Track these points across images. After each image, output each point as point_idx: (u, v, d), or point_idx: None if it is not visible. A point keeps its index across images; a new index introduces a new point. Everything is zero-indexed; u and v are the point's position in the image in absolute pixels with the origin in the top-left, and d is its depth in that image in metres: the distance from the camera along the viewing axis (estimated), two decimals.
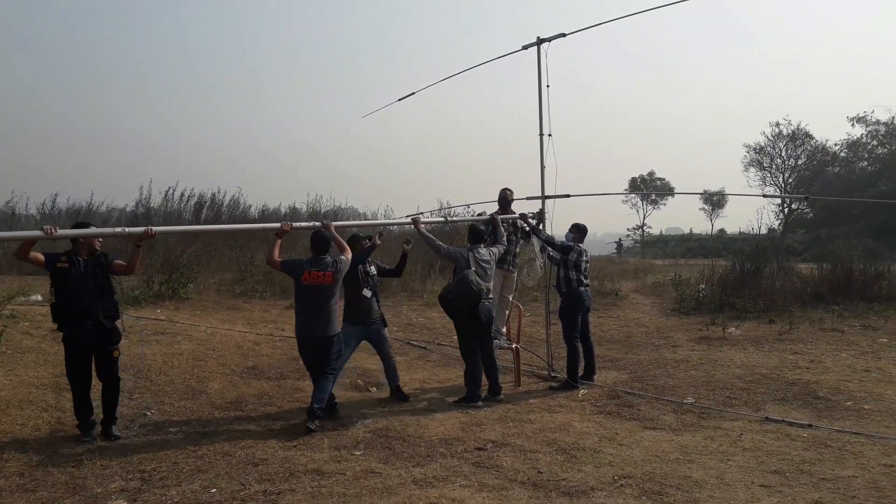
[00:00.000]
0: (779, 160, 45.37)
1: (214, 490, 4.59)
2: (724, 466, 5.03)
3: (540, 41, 8.58)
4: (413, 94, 10.07)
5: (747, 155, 47.04)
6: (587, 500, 4.43)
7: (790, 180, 45.14)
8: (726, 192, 54.09)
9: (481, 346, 7.10)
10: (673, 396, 7.26)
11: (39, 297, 11.25)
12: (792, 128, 44.47)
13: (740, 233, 45.90)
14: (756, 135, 57.66)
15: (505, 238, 7.76)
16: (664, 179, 56.28)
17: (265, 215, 21.94)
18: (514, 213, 8.48)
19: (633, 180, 56.75)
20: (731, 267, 14.32)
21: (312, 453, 5.40)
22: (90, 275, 5.57)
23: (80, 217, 21.93)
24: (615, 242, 39.76)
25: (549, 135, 8.50)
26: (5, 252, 16.70)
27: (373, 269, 7.25)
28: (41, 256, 5.49)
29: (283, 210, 22.66)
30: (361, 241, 7.20)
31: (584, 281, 7.95)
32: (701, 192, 51.61)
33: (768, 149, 45.62)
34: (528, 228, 8.34)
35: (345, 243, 6.59)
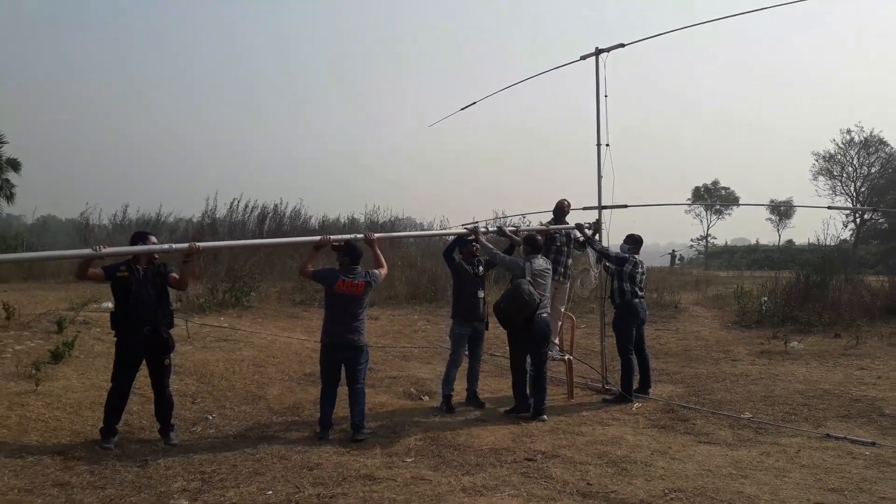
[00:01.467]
0: (850, 168, 43.68)
1: (270, 492, 4.76)
2: (779, 483, 4.93)
3: (598, 51, 8.59)
4: (475, 103, 10.22)
5: (816, 163, 45.50)
6: None
7: (862, 189, 43.40)
8: (793, 203, 52.11)
9: (533, 361, 7.04)
10: (730, 411, 7.12)
11: (110, 305, 11.77)
12: (864, 135, 42.80)
13: (809, 244, 44.35)
14: (826, 143, 55.64)
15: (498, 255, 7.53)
16: (729, 189, 54.88)
17: (325, 226, 22.36)
18: (569, 223, 8.50)
19: (697, 190, 55.44)
20: (795, 279, 13.88)
21: (365, 459, 5.53)
22: (149, 283, 5.78)
23: (150, 227, 22.89)
24: (669, 254, 38.85)
25: (607, 145, 8.50)
26: (73, 263, 17.53)
27: (481, 270, 7.42)
28: (100, 272, 5.71)
29: (342, 220, 23.06)
30: (469, 244, 7.36)
31: (640, 293, 7.89)
32: (763, 203, 50.21)
33: (839, 157, 44.00)
34: (582, 239, 8.33)
35: (383, 260, 6.69)
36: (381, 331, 12.34)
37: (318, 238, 6.66)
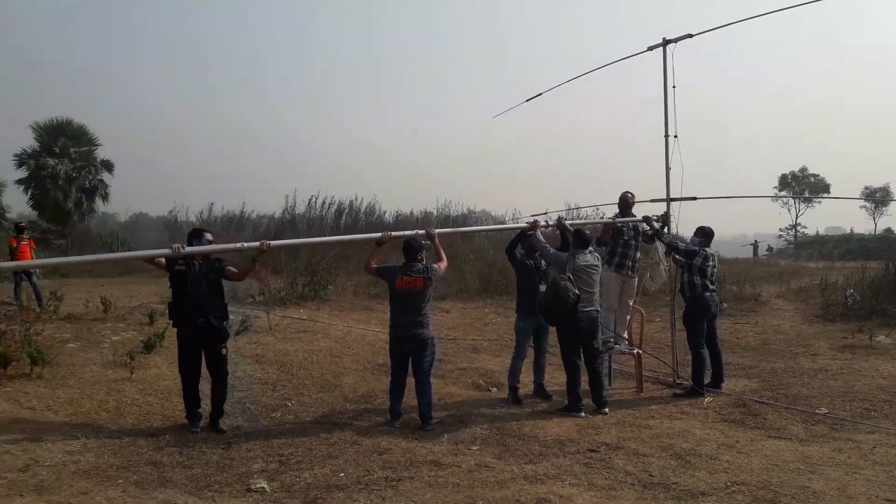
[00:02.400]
0: None
1: (342, 474, 5.03)
2: (848, 479, 4.84)
3: (666, 42, 8.49)
4: (540, 94, 10.21)
5: None
6: (694, 503, 4.45)
7: None
8: (890, 189, 49.22)
9: (585, 356, 6.98)
10: (805, 406, 6.97)
11: None
12: None
13: None
14: None
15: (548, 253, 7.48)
16: (818, 176, 51.99)
17: (399, 220, 22.84)
18: (636, 216, 8.46)
19: (784, 177, 52.91)
20: (883, 269, 13.23)
21: (432, 446, 5.74)
22: (203, 277, 6.11)
23: (233, 224, 23.93)
24: (751, 244, 37.41)
25: (675, 136, 8.39)
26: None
27: (543, 263, 7.53)
28: (163, 261, 6.12)
29: (415, 215, 23.49)
30: (530, 238, 7.52)
31: (710, 286, 7.77)
32: (854, 196, 47.48)
33: None
34: (651, 232, 8.26)
35: (443, 254, 6.83)
36: (452, 323, 12.58)
37: (379, 234, 6.88)
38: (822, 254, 42.68)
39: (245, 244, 6.46)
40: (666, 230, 8.33)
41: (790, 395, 7.44)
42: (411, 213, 24.28)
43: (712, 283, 7.82)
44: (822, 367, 8.80)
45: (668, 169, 8.39)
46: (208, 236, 6.39)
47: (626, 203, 8.48)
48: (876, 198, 48.31)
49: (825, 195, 49.35)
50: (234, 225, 24.83)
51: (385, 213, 23.95)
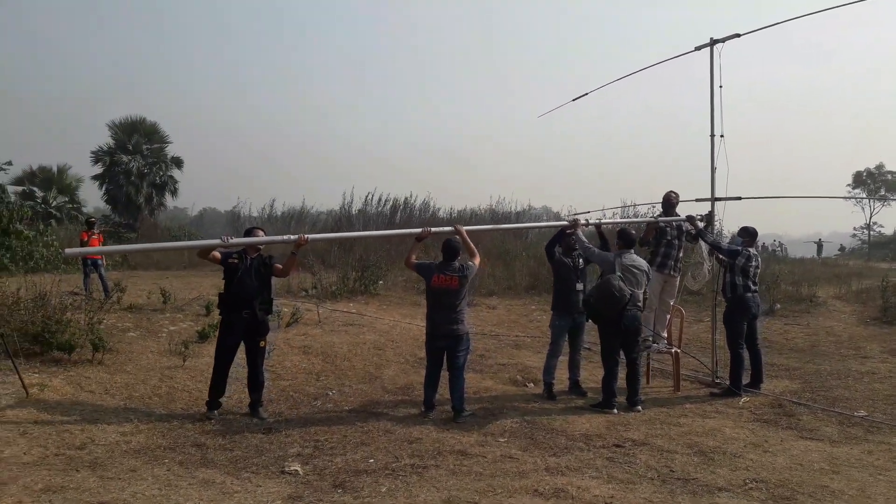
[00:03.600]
0: None
1: (372, 460, 5.27)
2: (871, 480, 4.82)
3: (713, 42, 8.45)
4: (587, 94, 10.25)
5: None
6: (710, 499, 4.51)
7: None
8: None
9: (626, 354, 7.07)
10: (844, 409, 6.87)
11: None
12: None
13: None
14: None
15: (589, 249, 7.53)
16: (895, 173, 49.72)
17: (452, 217, 23.07)
18: (680, 215, 8.44)
19: (858, 174, 50.82)
20: None
21: (461, 437, 5.93)
22: (254, 271, 6.43)
23: (294, 219, 24.62)
24: (815, 243, 36.02)
25: (721, 136, 8.33)
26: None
27: (581, 263, 7.66)
28: (218, 255, 6.43)
29: (468, 212, 23.66)
30: (569, 237, 7.64)
31: (752, 287, 7.71)
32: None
33: None
34: (694, 231, 8.23)
35: (475, 249, 6.98)
36: (496, 320, 12.73)
37: (419, 230, 7.11)
38: None
39: (291, 237, 6.75)
40: (710, 229, 8.29)
41: (830, 398, 7.33)
42: (465, 208, 24.48)
43: (755, 283, 7.75)
44: (870, 369, 8.60)
45: (713, 168, 8.35)
46: (260, 233, 6.75)
47: (669, 203, 8.47)
48: None
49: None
50: (295, 220, 25.51)
51: (439, 209, 24.23)
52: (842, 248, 48.34)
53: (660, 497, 4.55)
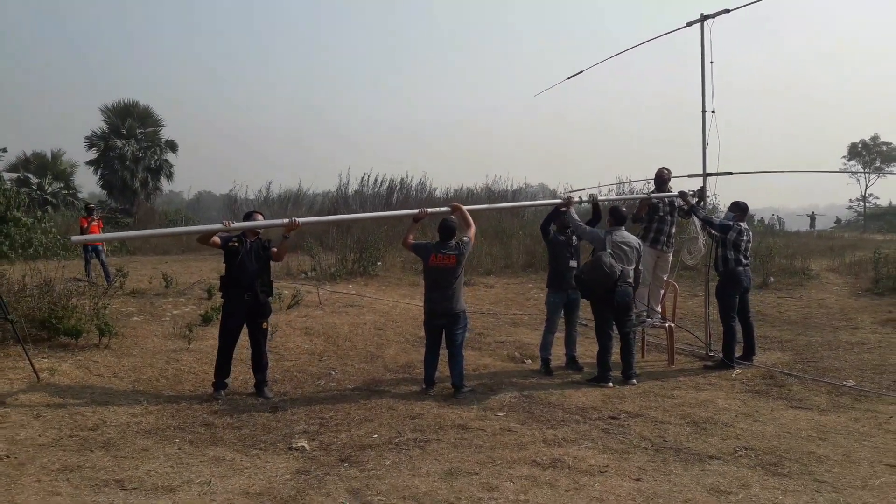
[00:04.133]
0: None
1: (375, 435, 5.45)
2: (856, 446, 5.01)
3: (703, 17, 8.53)
4: (581, 72, 10.33)
5: None
6: (701, 466, 4.70)
7: None
8: None
9: (619, 328, 7.24)
10: (834, 378, 7.07)
11: None
12: None
13: None
14: None
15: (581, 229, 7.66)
16: (891, 144, 49.65)
17: (448, 195, 23.20)
18: (672, 191, 8.58)
19: (853, 146, 50.67)
20: None
21: (462, 412, 6.11)
22: (254, 254, 6.57)
23: (290, 202, 24.71)
24: (808, 216, 36.18)
25: (713, 111, 8.44)
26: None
27: (574, 240, 7.80)
28: (218, 240, 6.54)
29: (464, 191, 23.78)
30: (563, 215, 7.78)
31: (744, 261, 7.87)
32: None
33: None
34: (687, 207, 8.36)
35: (470, 220, 7.08)
36: (494, 298, 12.91)
37: (416, 211, 7.24)
38: (895, 226, 41.05)
39: (276, 221, 6.86)
40: (702, 204, 8.44)
41: (821, 368, 7.53)
42: (461, 187, 24.63)
43: (746, 257, 7.91)
44: (860, 340, 8.80)
45: (704, 144, 8.46)
46: (259, 217, 6.88)
47: (661, 179, 8.61)
48: None
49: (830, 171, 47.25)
50: (291, 202, 25.62)
51: (436, 189, 24.37)
52: (838, 221, 48.53)
53: (653, 465, 4.74)
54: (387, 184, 23.55)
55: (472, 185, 25.18)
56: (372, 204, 23.26)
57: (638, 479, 4.48)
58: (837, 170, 50.57)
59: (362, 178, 23.73)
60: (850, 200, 52.89)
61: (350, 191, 23.73)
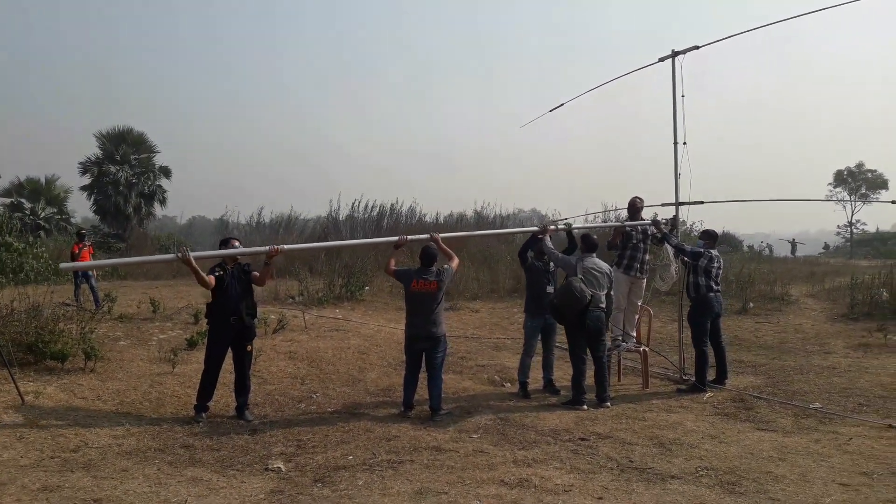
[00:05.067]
0: None
1: (351, 457, 5.59)
2: (813, 466, 5.19)
3: (675, 53, 8.84)
4: (563, 104, 10.65)
5: None
6: (662, 486, 4.87)
7: None
8: None
9: (592, 352, 7.43)
10: (802, 402, 7.25)
11: None
12: None
13: None
14: None
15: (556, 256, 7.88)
16: (876, 172, 50.49)
17: (438, 222, 23.46)
18: (645, 219, 8.83)
19: (839, 173, 51.57)
20: None
21: (437, 434, 6.27)
22: (237, 280, 6.77)
23: (282, 226, 24.93)
24: (788, 242, 36.53)
25: (685, 143, 8.71)
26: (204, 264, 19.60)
27: (551, 266, 8.02)
28: (212, 279, 6.65)
29: (454, 217, 24.07)
30: (539, 242, 8.01)
31: (715, 287, 8.09)
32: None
33: None
34: (660, 235, 8.60)
35: (452, 253, 7.36)
36: (479, 322, 13.09)
37: (396, 238, 7.47)
38: (882, 252, 41.48)
39: (256, 248, 7.05)
40: (674, 233, 8.67)
41: (790, 391, 7.72)
42: (450, 214, 24.91)
43: (717, 283, 8.14)
44: (832, 364, 9.01)
45: (677, 174, 8.72)
46: (235, 243, 7.07)
47: (634, 208, 8.86)
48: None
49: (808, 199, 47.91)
50: (283, 227, 25.82)
51: (426, 215, 24.62)
52: (826, 247, 49.03)
53: (616, 485, 4.91)
54: (377, 209, 23.82)
55: (461, 210, 25.51)
56: (363, 229, 23.49)
57: (600, 498, 4.64)
58: (809, 198, 51.49)
59: (353, 203, 24.01)
60: (838, 226, 53.53)
61: (341, 216, 23.96)
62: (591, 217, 21.37)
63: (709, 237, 8.36)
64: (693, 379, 8.09)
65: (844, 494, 4.61)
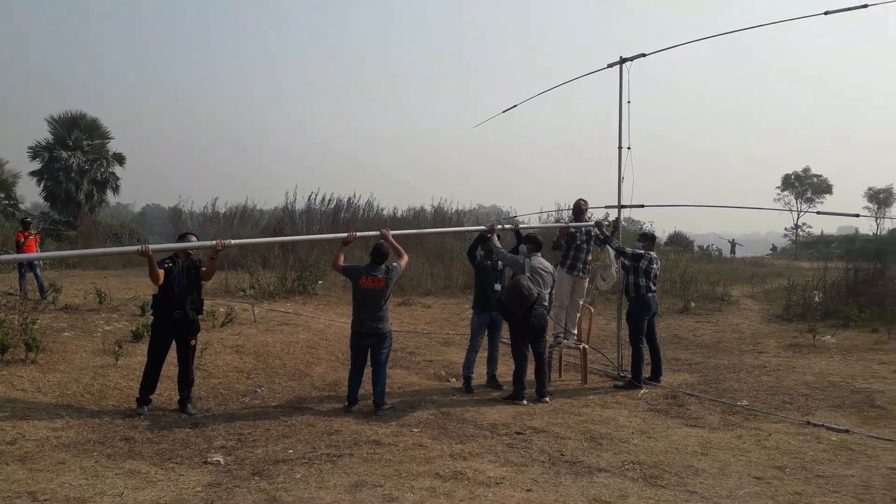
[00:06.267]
0: None
1: (291, 451, 5.70)
2: (732, 460, 5.48)
3: (622, 60, 9.11)
4: (515, 106, 10.91)
5: None
6: (589, 479, 5.10)
7: None
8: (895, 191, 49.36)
9: (533, 349, 7.67)
10: (731, 399, 7.58)
11: None
12: None
13: None
14: None
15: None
16: (821, 177, 52.28)
17: (396, 217, 23.54)
18: (590, 221, 9.09)
19: (787, 177, 53.22)
20: (844, 272, 13.80)
21: (378, 428, 6.41)
22: (185, 274, 6.81)
23: (237, 218, 24.70)
24: (729, 242, 37.63)
25: (629, 148, 9.01)
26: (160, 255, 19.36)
27: (499, 264, 8.21)
28: (162, 272, 6.66)
29: (412, 212, 24.17)
30: (488, 241, 8.19)
31: (653, 287, 8.40)
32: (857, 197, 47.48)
33: None
34: (602, 237, 8.86)
35: (402, 250, 7.49)
36: (430, 318, 13.26)
37: (345, 235, 7.57)
38: (824, 254, 42.88)
39: (204, 242, 7.10)
40: (616, 234, 8.96)
41: (721, 389, 8.06)
42: (408, 209, 24.99)
43: (655, 284, 8.45)
44: (762, 363, 9.41)
45: (620, 178, 9.01)
46: (192, 238, 7.11)
47: (579, 209, 9.12)
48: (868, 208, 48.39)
49: (760, 207, 49.60)
50: (238, 219, 25.54)
51: (384, 209, 24.66)
52: (774, 248, 50.57)
53: (545, 477, 5.12)
54: (334, 202, 23.74)
55: (420, 205, 25.63)
56: (319, 223, 23.40)
57: (528, 490, 4.85)
58: (741, 205, 52.99)
59: (310, 196, 23.89)
60: (786, 229, 55.16)
61: (297, 209, 23.81)
62: (543, 216, 21.82)
63: (647, 239, 8.67)
64: (629, 376, 8.39)
65: (757, 487, 4.90)
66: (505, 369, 8.61)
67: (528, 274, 7.58)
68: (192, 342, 6.95)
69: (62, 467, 5.06)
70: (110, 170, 31.49)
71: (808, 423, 6.56)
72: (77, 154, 30.33)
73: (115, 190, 32.24)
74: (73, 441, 5.71)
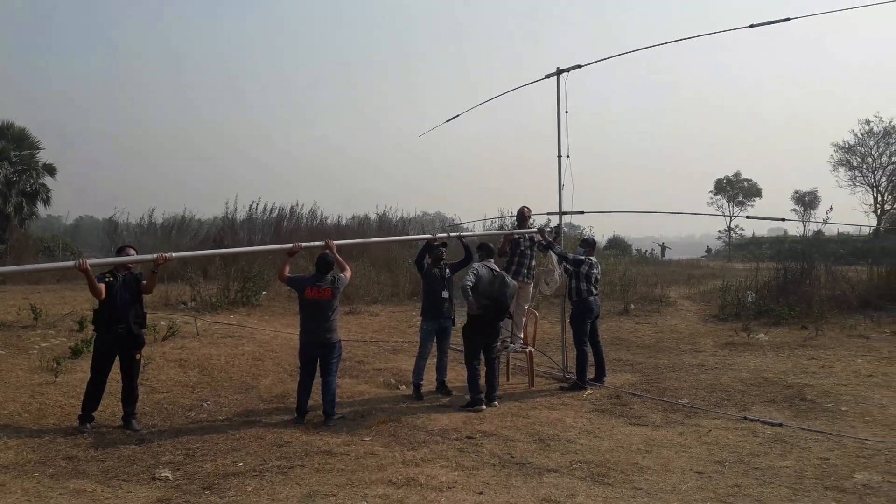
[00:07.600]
0: (870, 159, 43.45)
1: (241, 464, 5.65)
2: (675, 457, 5.71)
3: (559, 71, 9.35)
4: (458, 116, 11.09)
5: (834, 155, 45.23)
6: (539, 479, 5.23)
7: (881, 179, 43.22)
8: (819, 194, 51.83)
9: (485, 354, 7.77)
10: (672, 398, 7.85)
11: None
12: (884, 125, 42.55)
13: (839, 234, 44.06)
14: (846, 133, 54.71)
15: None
16: (751, 181, 54.48)
17: (340, 226, 23.42)
18: (533, 227, 9.29)
19: (719, 182, 55.25)
20: (774, 272, 14.43)
21: (329, 438, 6.41)
22: (126, 288, 6.70)
23: (175, 228, 24.16)
24: (659, 245, 39.04)
25: (567, 156, 9.24)
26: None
27: (447, 272, 8.31)
28: (103, 287, 6.55)
29: (356, 221, 24.09)
30: (437, 249, 8.27)
31: (594, 291, 8.65)
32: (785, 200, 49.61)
33: (858, 147, 43.76)
34: (545, 243, 9.07)
35: (345, 263, 7.52)
36: (378, 326, 13.26)
37: (290, 245, 7.55)
38: (756, 255, 44.56)
39: (144, 256, 7.02)
40: (558, 240, 9.18)
41: (662, 388, 8.34)
42: (352, 218, 24.90)
43: (596, 288, 8.69)
44: (700, 362, 9.77)
45: (560, 186, 9.24)
46: (132, 252, 6.98)
47: (522, 216, 9.31)
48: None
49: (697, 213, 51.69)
50: (176, 229, 24.96)
51: (327, 218, 24.50)
52: (708, 250, 52.29)
53: (496, 480, 5.23)
54: (276, 212, 23.47)
55: (364, 212, 25.55)
56: (262, 232, 23.09)
57: (480, 493, 4.95)
58: (678, 211, 55.11)
59: (251, 205, 23.55)
60: (719, 231, 57.08)
61: (239, 218, 23.42)
62: (487, 223, 22.08)
63: (588, 245, 8.92)
64: (574, 377, 8.59)
65: (699, 481, 5.12)
66: (453, 375, 8.72)
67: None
68: (137, 357, 6.82)
69: (2, 489, 4.91)
70: (40, 181, 30.31)
71: (745, 418, 6.86)
72: (5, 165, 29.08)
73: (46, 202, 30.99)
74: (12, 462, 5.53)
